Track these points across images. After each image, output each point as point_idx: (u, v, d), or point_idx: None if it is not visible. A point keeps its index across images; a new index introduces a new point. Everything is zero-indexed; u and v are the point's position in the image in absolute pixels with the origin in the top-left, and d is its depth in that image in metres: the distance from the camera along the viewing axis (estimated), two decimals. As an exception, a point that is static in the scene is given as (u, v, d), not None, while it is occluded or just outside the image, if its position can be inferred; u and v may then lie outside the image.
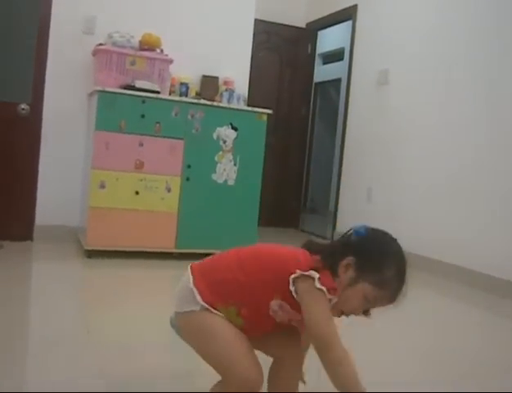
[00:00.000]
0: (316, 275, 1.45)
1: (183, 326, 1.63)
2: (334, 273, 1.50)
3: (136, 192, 4.11)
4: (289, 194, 6.98)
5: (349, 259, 1.50)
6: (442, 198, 4.69)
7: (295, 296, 1.48)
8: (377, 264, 1.50)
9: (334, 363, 1.44)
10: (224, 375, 1.55)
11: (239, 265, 1.59)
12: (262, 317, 1.56)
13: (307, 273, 1.46)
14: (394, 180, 5.31)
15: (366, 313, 1.56)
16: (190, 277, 1.63)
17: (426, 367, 2.57)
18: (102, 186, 4.02)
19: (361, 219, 5.62)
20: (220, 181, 4.36)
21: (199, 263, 1.69)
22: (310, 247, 1.58)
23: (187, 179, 4.26)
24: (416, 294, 4.07)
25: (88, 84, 4.43)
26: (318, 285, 1.44)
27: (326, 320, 1.46)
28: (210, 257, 1.71)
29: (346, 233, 1.57)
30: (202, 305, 1.55)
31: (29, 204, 4.47)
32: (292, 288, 1.47)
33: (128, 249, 4.15)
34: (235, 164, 4.39)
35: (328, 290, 1.45)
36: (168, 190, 4.20)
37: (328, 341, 1.45)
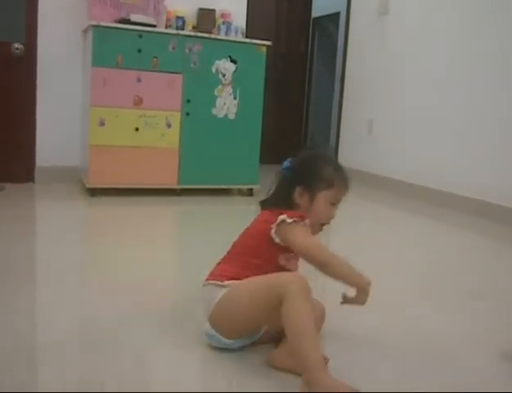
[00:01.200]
0: (283, 216, 1.66)
1: (218, 315, 1.66)
2: (295, 208, 1.73)
3: (137, 129, 4.07)
4: (290, 131, 6.94)
5: (298, 189, 1.73)
6: (442, 130, 4.65)
7: (283, 243, 1.67)
8: (316, 173, 1.73)
9: (336, 259, 1.63)
10: (278, 293, 1.51)
11: (240, 256, 1.74)
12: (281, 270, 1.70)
13: (277, 221, 1.66)
14: (395, 112, 5.26)
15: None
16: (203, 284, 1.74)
17: (428, 287, 2.60)
18: (102, 123, 3.98)
19: (361, 152, 5.62)
20: (220, 115, 4.31)
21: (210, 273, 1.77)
22: (265, 206, 1.79)
23: (187, 114, 4.21)
24: (416, 224, 4.11)
25: (83, 20, 4.32)
26: (289, 220, 1.65)
27: (306, 238, 1.67)
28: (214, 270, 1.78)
29: (279, 177, 1.78)
30: (228, 284, 1.65)
31: (28, 145, 4.44)
32: (277, 240, 1.67)
33: (130, 186, 4.14)
34: (235, 98, 4.33)
35: (297, 218, 1.66)
36: (169, 126, 4.16)
37: (319, 251, 1.65)
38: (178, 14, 4.47)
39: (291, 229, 1.66)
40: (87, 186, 4.04)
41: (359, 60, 5.85)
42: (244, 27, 4.81)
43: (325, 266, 1.62)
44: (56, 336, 1.77)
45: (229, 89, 4.31)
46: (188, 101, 4.20)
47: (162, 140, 4.16)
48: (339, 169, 1.78)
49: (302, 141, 7.44)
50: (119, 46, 3.96)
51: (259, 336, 1.72)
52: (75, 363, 1.63)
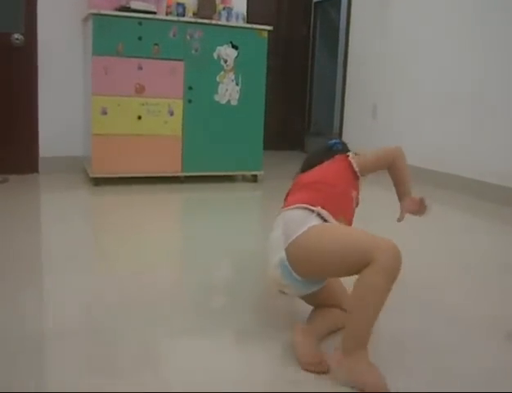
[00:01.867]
0: (351, 153, 1.92)
1: (301, 248, 1.60)
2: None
3: (139, 117, 4.06)
4: (293, 117, 6.91)
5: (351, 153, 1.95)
6: (446, 113, 4.62)
7: (361, 173, 1.89)
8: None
9: (397, 150, 1.95)
10: (368, 258, 1.46)
11: (315, 184, 1.80)
12: (351, 204, 1.85)
13: (351, 156, 1.90)
14: (399, 96, 5.22)
15: None
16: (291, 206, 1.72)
17: (442, 270, 2.59)
18: (104, 112, 3.96)
19: (366, 136, 5.59)
20: (223, 101, 4.29)
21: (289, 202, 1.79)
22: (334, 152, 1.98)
23: (189, 101, 4.19)
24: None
25: (82, 9, 4.29)
26: (356, 153, 1.93)
27: (375, 154, 1.96)
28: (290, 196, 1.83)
29: (328, 148, 2.01)
30: (317, 212, 1.65)
31: (31, 136, 4.43)
32: (357, 169, 1.87)
33: (134, 175, 4.13)
34: (237, 84, 4.31)
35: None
36: (171, 113, 4.14)
37: (389, 151, 1.95)
38: (179, 0, 4.42)
39: (364, 155, 1.91)
40: (91, 175, 4.03)
41: (361, 44, 5.80)
42: (245, 12, 4.77)
43: (401, 157, 1.95)
44: (63, 324, 1.77)
45: (231, 75, 4.29)
46: (190, 88, 4.18)
47: (165, 128, 4.14)
48: None
49: (305, 126, 7.41)
50: (119, 34, 3.94)
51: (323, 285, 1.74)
52: (81, 351, 1.63)
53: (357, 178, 1.88)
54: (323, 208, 1.66)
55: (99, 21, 3.89)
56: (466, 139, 4.42)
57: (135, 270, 2.33)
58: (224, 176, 4.44)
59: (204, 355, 1.60)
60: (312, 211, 1.65)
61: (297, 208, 1.68)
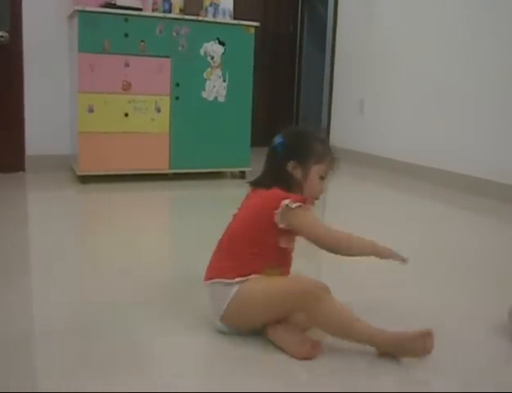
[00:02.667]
0: (286, 201, 1.63)
1: (231, 316, 1.66)
2: (291, 183, 1.72)
3: (126, 114, 4.04)
4: (281, 113, 6.91)
5: (291, 164, 1.71)
6: (433, 108, 4.64)
7: (288, 228, 1.66)
8: (308, 148, 1.73)
9: (344, 243, 1.67)
10: (296, 302, 1.59)
11: (238, 246, 1.70)
12: (285, 255, 1.76)
13: (281, 207, 1.63)
14: (386, 91, 5.23)
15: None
16: (210, 281, 1.71)
17: (425, 265, 2.60)
18: (90, 110, 3.94)
19: (353, 131, 5.60)
20: (210, 98, 4.28)
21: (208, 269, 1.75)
22: (257, 185, 1.76)
23: (177, 98, 4.18)
24: (409, 202, 4.11)
25: (68, 6, 4.26)
26: (293, 205, 1.62)
27: (316, 225, 1.69)
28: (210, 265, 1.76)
29: (271, 152, 1.76)
30: (237, 282, 1.64)
31: (17, 135, 4.39)
32: (282, 226, 1.65)
33: (121, 172, 4.11)
34: (224, 81, 4.30)
35: (301, 203, 1.64)
36: (158, 110, 4.13)
37: (329, 237, 1.67)
38: (165, -4, 4.41)
39: (297, 215, 1.64)
40: (78, 173, 4.01)
41: (349, 40, 5.81)
42: (232, 8, 4.76)
43: (341, 249, 1.67)
44: (50, 324, 1.76)
45: (218, 72, 4.28)
46: (177, 84, 4.17)
47: (152, 125, 4.13)
48: (326, 143, 1.82)
49: (294, 122, 7.41)
50: (105, 31, 3.92)
51: None
52: (70, 350, 1.62)
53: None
54: (243, 274, 1.64)
55: (84, 18, 3.86)
56: (453, 134, 4.44)
57: (123, 269, 2.32)
58: (212, 173, 4.44)
59: (195, 355, 1.60)
60: (231, 284, 1.64)
61: (216, 283, 1.68)
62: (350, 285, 2.21)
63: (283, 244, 1.70)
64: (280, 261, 1.73)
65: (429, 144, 4.67)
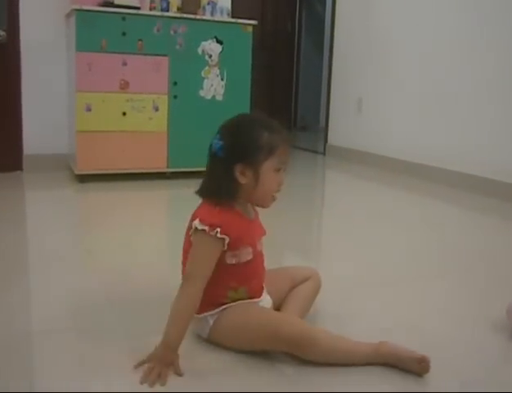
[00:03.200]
0: (196, 222, 1.50)
1: (217, 340, 1.61)
2: (239, 189, 1.53)
3: (124, 113, 4.03)
4: (279, 111, 6.91)
5: (238, 168, 1.51)
6: (432, 106, 4.64)
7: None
8: (253, 144, 1.51)
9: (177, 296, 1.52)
10: (276, 341, 1.50)
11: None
12: (245, 271, 1.59)
13: (192, 228, 1.53)
14: (384, 89, 5.23)
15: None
16: None
17: (421, 263, 2.61)
18: (88, 109, 3.93)
19: (352, 130, 5.60)
20: (208, 97, 4.28)
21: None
22: (203, 195, 1.59)
23: (175, 97, 4.17)
24: (407, 200, 4.11)
25: (65, 5, 4.25)
26: (199, 227, 1.49)
27: (197, 261, 1.52)
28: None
29: (211, 160, 1.56)
30: (205, 316, 1.59)
31: (15, 134, 4.38)
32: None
33: (120, 171, 4.11)
34: (222, 79, 4.30)
35: (208, 227, 1.48)
36: (156, 109, 4.12)
37: (185, 278, 1.54)
38: (162, -5, 4.41)
39: (196, 238, 1.51)
40: (76, 172, 4.01)
41: (347, 38, 5.80)
42: (230, 7, 4.75)
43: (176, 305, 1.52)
44: (50, 323, 1.76)
45: (216, 70, 4.27)
46: (175, 83, 4.16)
47: (150, 124, 4.13)
48: (273, 129, 1.56)
49: (292, 120, 7.42)
50: (102, 29, 3.91)
51: None
52: (70, 350, 1.62)
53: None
54: (207, 308, 1.58)
55: (82, 17, 3.86)
56: (452, 132, 4.44)
57: (122, 268, 2.32)
58: (210, 171, 4.42)
59: (194, 354, 1.60)
60: (201, 320, 1.61)
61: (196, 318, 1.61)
62: (348, 284, 2.21)
63: (230, 261, 1.55)
64: (241, 280, 1.59)
65: (428, 142, 4.67)
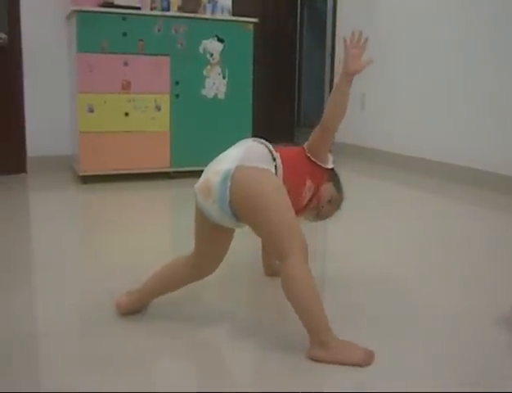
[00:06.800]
0: None
1: (246, 182, 1.56)
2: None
3: (126, 114, 4.03)
4: (282, 109, 6.89)
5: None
6: (435, 101, 4.61)
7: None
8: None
9: None
10: (284, 240, 1.50)
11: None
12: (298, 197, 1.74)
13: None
14: (387, 85, 5.21)
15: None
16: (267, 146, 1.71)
17: (428, 258, 2.59)
18: (90, 110, 3.94)
19: (354, 126, 5.58)
20: (210, 96, 4.27)
21: None
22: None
23: (177, 96, 4.17)
24: (412, 195, 4.09)
25: (65, 6, 4.25)
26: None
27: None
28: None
29: None
30: (277, 165, 1.65)
31: (18, 136, 4.39)
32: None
33: (123, 172, 4.11)
34: (224, 78, 4.29)
35: None
36: (158, 109, 4.12)
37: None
38: (163, -5, 4.40)
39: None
40: (79, 173, 4.01)
41: (349, 34, 5.77)
42: (231, 5, 4.73)
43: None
44: (54, 324, 1.76)
45: (217, 69, 4.27)
46: (177, 82, 4.16)
47: (152, 123, 4.12)
48: (340, 189, 1.91)
49: (295, 118, 7.39)
50: (103, 30, 3.91)
51: None
52: (72, 350, 1.61)
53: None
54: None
55: (82, 18, 3.86)
56: (456, 127, 4.42)
57: (125, 269, 2.31)
58: (214, 170, 4.42)
59: (196, 355, 1.59)
60: (273, 159, 1.66)
61: (261, 143, 1.70)
62: (350, 278, 2.20)
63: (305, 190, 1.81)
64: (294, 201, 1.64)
65: (431, 137, 4.65)
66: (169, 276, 1.78)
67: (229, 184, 1.55)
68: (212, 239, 1.71)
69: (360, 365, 1.47)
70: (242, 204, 1.55)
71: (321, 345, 1.48)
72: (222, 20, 4.30)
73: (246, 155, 1.61)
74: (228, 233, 1.72)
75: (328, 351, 1.48)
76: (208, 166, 1.69)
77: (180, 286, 1.80)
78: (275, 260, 2.06)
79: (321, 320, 1.49)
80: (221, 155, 1.70)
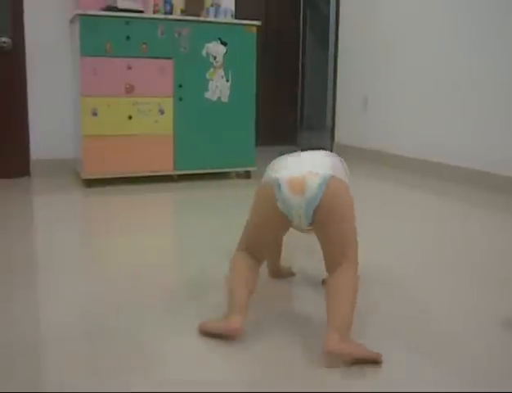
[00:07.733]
0: None
1: (339, 194, 1.72)
2: None
3: (130, 117, 4.04)
4: (285, 111, 6.90)
5: None
6: (438, 103, 4.61)
7: None
8: None
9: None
10: (351, 248, 1.72)
11: None
12: None
13: None
14: (389, 87, 5.21)
15: None
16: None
17: (433, 260, 2.59)
18: (94, 113, 3.94)
19: (358, 128, 5.58)
20: (213, 98, 4.28)
21: None
22: None
23: (180, 99, 4.18)
24: (416, 196, 4.09)
25: (69, 10, 4.27)
26: None
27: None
28: None
29: None
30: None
31: (22, 140, 4.41)
32: None
33: (126, 175, 4.11)
34: (227, 81, 4.29)
35: None
36: (162, 112, 4.12)
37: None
38: (166, -2, 4.41)
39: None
40: (83, 177, 4.01)
41: (352, 36, 5.78)
42: (234, 8, 4.75)
43: None
44: (58, 326, 1.76)
45: (221, 72, 4.27)
46: (180, 86, 4.17)
47: (156, 127, 4.13)
48: None
49: (298, 120, 7.40)
50: (107, 34, 3.92)
51: None
52: (76, 352, 1.61)
53: None
54: None
55: (86, 22, 3.86)
56: (458, 128, 4.42)
57: (129, 272, 2.32)
58: (217, 173, 4.43)
59: (201, 357, 1.59)
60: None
61: (335, 156, 1.92)
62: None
63: None
64: None
65: (434, 139, 4.65)
66: (247, 276, 1.77)
67: (324, 190, 1.66)
68: (272, 229, 1.82)
69: (377, 360, 1.53)
70: (330, 210, 1.68)
71: (344, 340, 1.54)
72: (225, 23, 4.30)
73: (334, 165, 1.78)
74: (284, 231, 1.85)
75: (350, 344, 1.55)
76: (288, 162, 1.79)
77: (256, 280, 1.82)
78: (279, 263, 2.19)
79: (352, 320, 1.61)
80: (302, 157, 1.84)
